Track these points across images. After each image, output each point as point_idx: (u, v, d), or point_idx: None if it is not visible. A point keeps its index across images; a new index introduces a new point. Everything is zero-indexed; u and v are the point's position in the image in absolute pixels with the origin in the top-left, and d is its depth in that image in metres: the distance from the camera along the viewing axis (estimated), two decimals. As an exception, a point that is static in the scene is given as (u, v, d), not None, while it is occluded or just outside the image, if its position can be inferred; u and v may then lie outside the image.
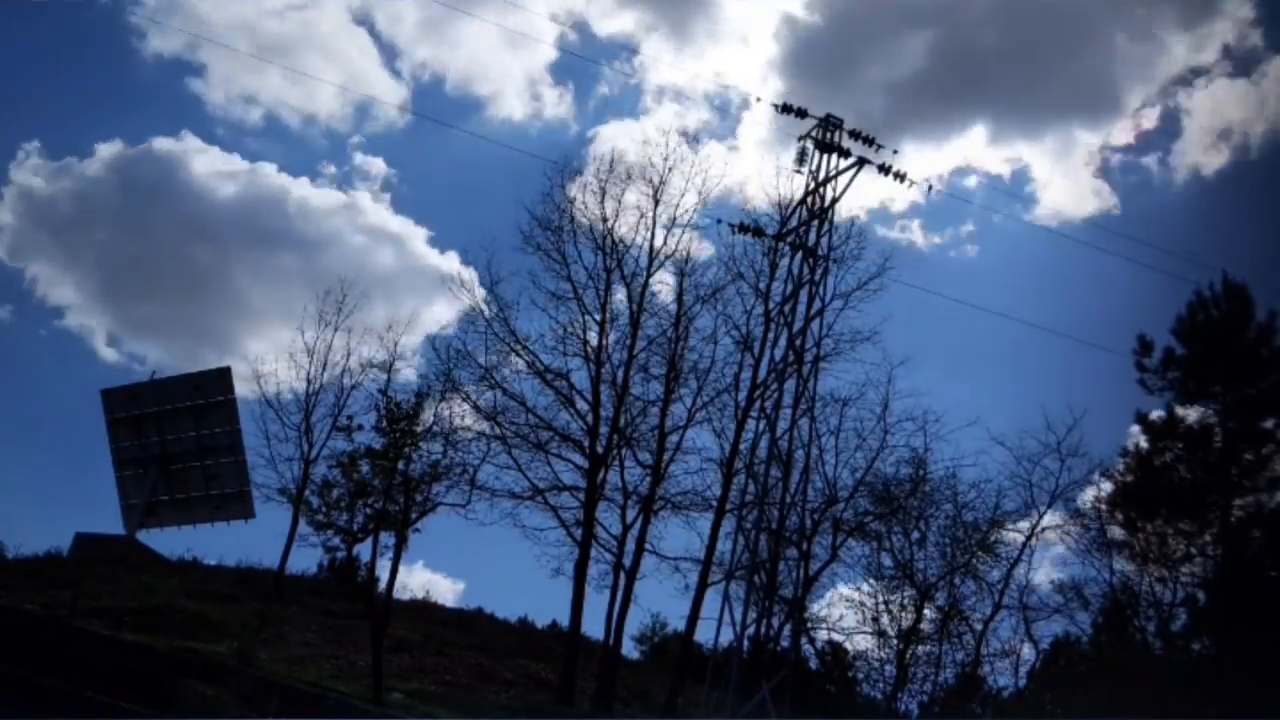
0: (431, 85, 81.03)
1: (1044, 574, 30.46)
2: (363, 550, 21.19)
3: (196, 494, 35.42)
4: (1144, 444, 30.77)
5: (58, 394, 60.88)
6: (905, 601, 29.47)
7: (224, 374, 35.06)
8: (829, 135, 28.71)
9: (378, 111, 77.43)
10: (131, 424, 34.89)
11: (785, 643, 27.22)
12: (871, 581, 29.97)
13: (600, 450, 26.23)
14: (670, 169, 27.77)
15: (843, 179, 28.56)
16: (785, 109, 28.68)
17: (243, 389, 33.60)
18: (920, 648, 29.30)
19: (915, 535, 29.86)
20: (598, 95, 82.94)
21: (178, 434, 34.85)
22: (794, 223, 28.46)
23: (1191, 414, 30.42)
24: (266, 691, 17.41)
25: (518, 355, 26.89)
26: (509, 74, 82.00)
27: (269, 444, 29.40)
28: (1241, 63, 76.78)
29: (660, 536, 26.99)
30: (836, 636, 30.97)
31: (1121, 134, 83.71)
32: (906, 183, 29.03)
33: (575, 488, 26.44)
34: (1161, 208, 72.49)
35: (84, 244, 67.98)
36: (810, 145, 28.71)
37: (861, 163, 28.54)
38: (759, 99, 27.95)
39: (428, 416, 22.59)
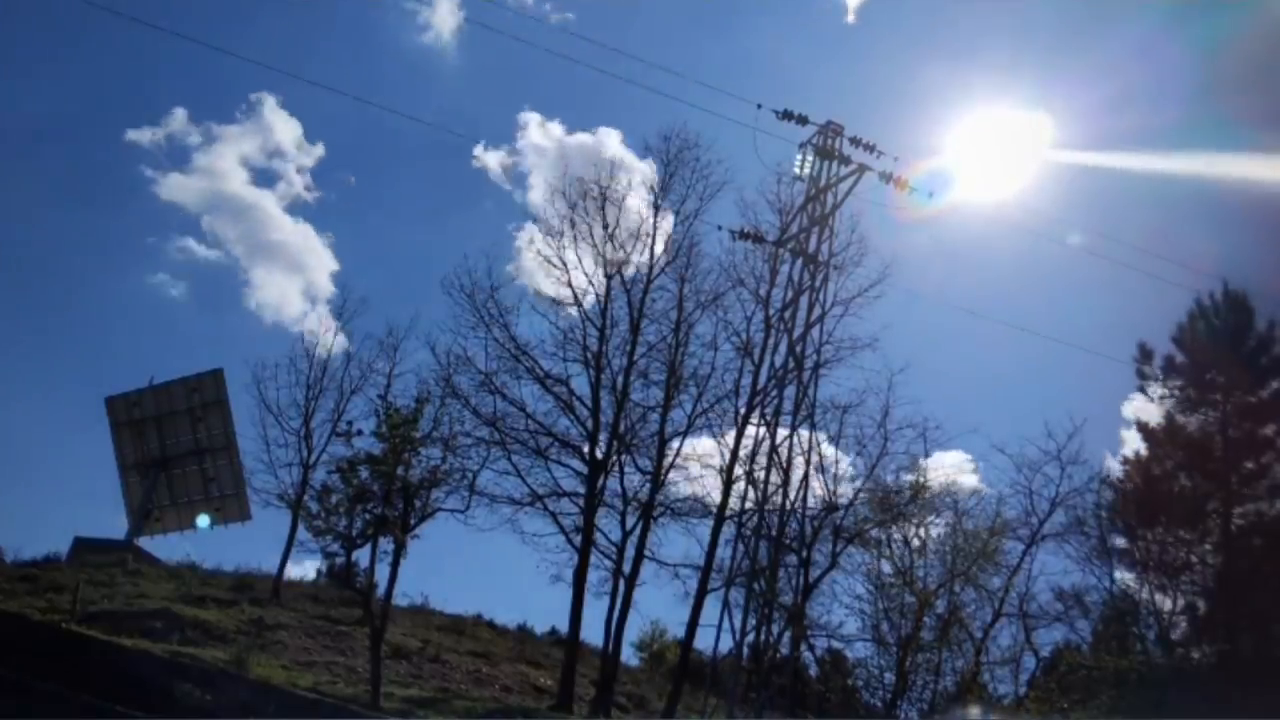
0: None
1: (1044, 582, 30.32)
2: (361, 556, 21.16)
3: (196, 497, 35.57)
4: (1144, 452, 30.79)
5: (57, 396, 60.81)
6: (905, 609, 29.42)
7: (217, 375, 35.54)
8: (829, 142, 28.73)
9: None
10: (134, 429, 35.07)
11: (785, 650, 27.17)
12: (871, 589, 29.94)
13: (600, 456, 26.22)
14: (671, 175, 27.84)
15: (843, 186, 28.60)
16: (787, 115, 28.69)
17: (243, 394, 33.76)
18: (920, 655, 29.23)
19: (915, 542, 29.84)
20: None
21: (176, 437, 35.04)
22: (794, 229, 28.49)
23: (1192, 422, 30.44)
24: (264, 697, 17.34)
25: (518, 361, 26.91)
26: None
27: (268, 449, 29.43)
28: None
29: (660, 543, 27.04)
30: (836, 644, 30.93)
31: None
32: (907, 190, 29.03)
33: (575, 494, 26.45)
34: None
35: None
36: (811, 152, 28.74)
37: (862, 170, 28.56)
38: (760, 105, 27.88)
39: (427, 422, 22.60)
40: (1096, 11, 65.96)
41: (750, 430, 27.12)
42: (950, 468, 29.58)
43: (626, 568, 25.82)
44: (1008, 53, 65.85)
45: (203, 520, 33.93)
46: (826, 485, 28.23)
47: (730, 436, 27.27)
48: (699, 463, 27.67)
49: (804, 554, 27.25)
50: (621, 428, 26.63)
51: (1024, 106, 62.37)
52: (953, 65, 65.54)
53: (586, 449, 26.37)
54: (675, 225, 27.67)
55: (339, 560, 24.86)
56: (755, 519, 26.25)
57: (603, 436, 26.37)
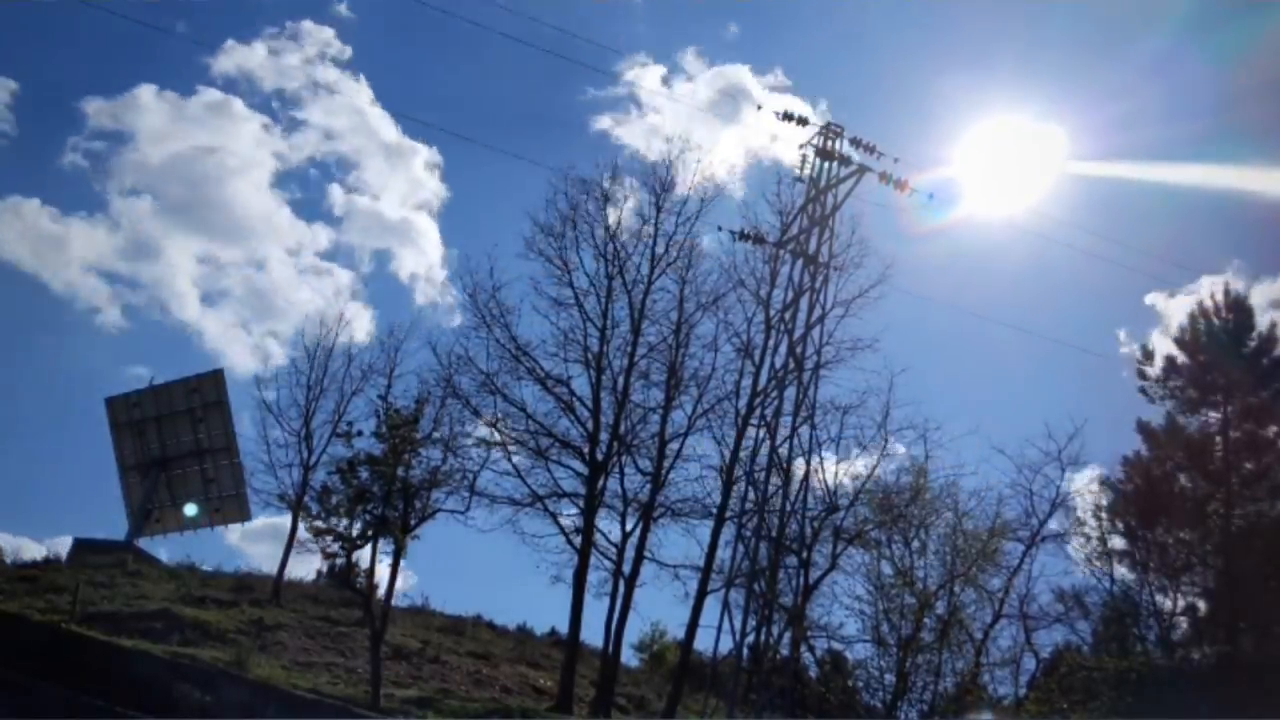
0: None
1: (1044, 583, 30.27)
2: (361, 556, 21.17)
3: (196, 498, 35.62)
4: (1145, 453, 30.79)
5: (57, 398, 60.93)
6: (905, 610, 29.38)
7: (217, 376, 35.72)
8: (830, 143, 28.69)
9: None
10: (134, 430, 35.13)
11: (785, 651, 27.14)
12: (871, 590, 29.90)
13: (600, 457, 26.18)
14: (673, 176, 27.82)
15: (843, 187, 28.58)
16: (787, 116, 28.65)
17: (244, 395, 33.89)
18: (920, 656, 29.20)
19: (915, 543, 29.79)
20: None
21: (177, 438, 35.11)
22: (795, 230, 28.46)
23: (1193, 423, 30.47)
24: (264, 698, 17.35)
25: (519, 362, 26.89)
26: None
27: (269, 450, 29.43)
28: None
29: (660, 544, 26.99)
30: (836, 645, 30.88)
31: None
32: (908, 191, 29.00)
33: (575, 494, 26.42)
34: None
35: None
36: (811, 153, 28.71)
37: (862, 170, 28.52)
38: (760, 106, 27.89)
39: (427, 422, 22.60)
40: (1111, 25, 66.04)
41: (750, 431, 27.12)
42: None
43: (626, 568, 25.80)
44: (1020, 66, 66.04)
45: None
46: (826, 486, 28.27)
47: (730, 437, 27.27)
48: (699, 464, 27.68)
49: (804, 555, 27.21)
50: (622, 428, 26.61)
51: (1037, 119, 62.68)
52: (964, 76, 65.70)
53: (587, 450, 26.35)
54: (676, 226, 27.63)
55: (339, 561, 24.90)
56: (755, 520, 26.23)
57: (603, 437, 26.35)
